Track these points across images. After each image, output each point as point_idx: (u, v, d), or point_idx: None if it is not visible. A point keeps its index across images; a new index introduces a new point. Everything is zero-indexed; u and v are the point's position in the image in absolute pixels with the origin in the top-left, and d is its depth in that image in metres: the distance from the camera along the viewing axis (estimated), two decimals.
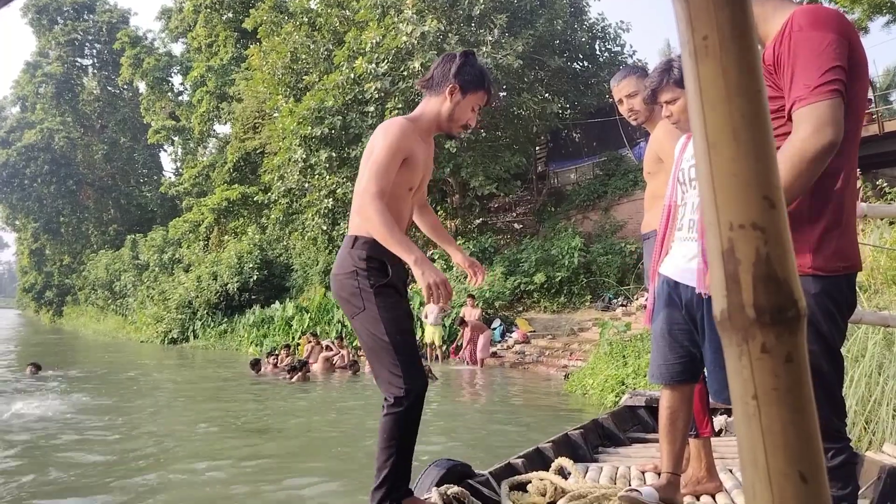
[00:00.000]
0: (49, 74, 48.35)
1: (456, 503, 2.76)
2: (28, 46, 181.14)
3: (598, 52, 23.77)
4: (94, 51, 50.23)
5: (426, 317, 16.37)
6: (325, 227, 22.01)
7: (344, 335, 19.70)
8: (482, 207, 22.43)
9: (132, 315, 33.89)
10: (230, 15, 34.06)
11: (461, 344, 16.04)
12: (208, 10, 34.64)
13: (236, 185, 29.17)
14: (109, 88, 49.48)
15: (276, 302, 23.76)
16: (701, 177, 0.66)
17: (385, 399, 2.52)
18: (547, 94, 20.88)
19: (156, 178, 48.19)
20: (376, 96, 18.73)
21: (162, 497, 5.76)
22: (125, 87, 48.43)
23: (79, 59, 50.35)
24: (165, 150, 45.11)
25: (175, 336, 27.04)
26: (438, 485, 2.81)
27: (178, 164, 43.03)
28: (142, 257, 35.38)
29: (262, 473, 6.51)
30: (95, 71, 50.19)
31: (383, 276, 2.57)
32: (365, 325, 2.56)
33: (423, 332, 16.53)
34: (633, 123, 3.44)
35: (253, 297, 25.26)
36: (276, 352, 16.88)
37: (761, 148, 0.67)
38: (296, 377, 13.54)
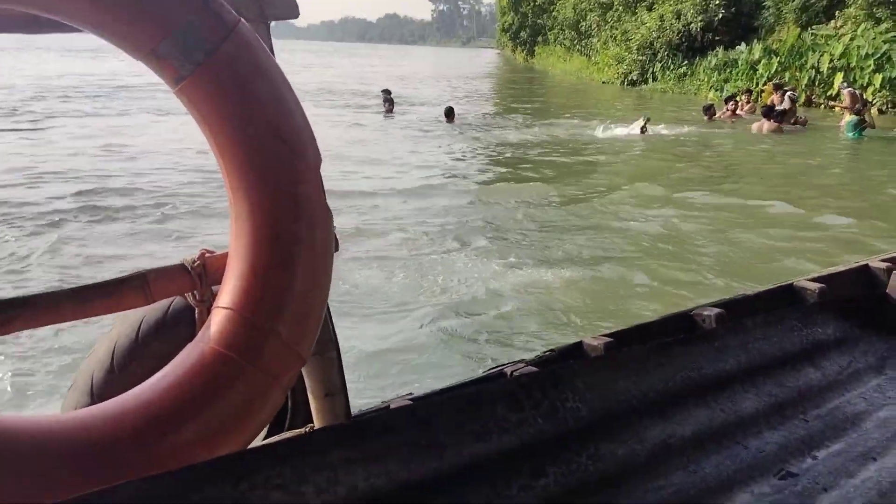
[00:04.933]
0: None
1: None
2: None
3: None
4: None
5: None
6: None
7: (818, 82, 17.70)
8: None
9: (595, 55, 35.09)
10: None
11: None
12: None
13: None
14: None
15: (742, 43, 22.07)
16: None
17: None
18: None
19: None
20: None
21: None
22: None
23: None
24: None
25: (634, 78, 27.47)
26: None
27: None
28: None
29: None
30: None
31: None
32: None
33: None
34: None
35: (717, 37, 23.84)
36: (737, 98, 16.08)
37: None
38: (765, 126, 12.80)
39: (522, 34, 56.16)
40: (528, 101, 21.48)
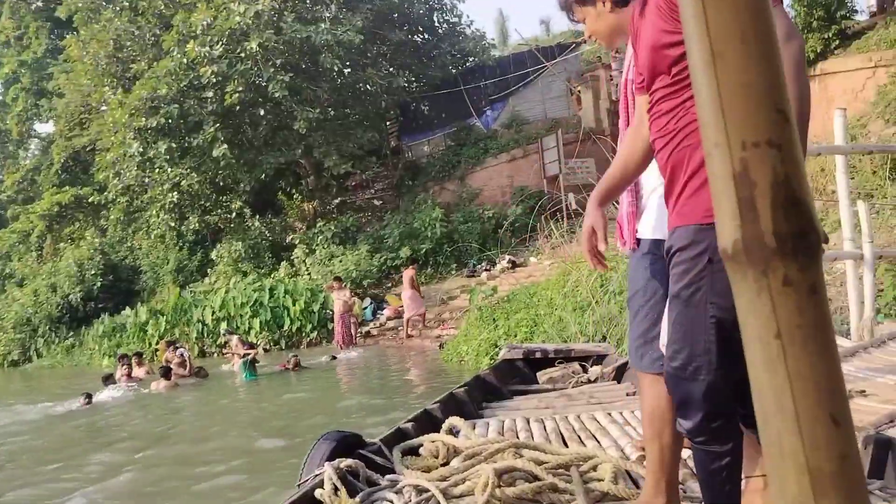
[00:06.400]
0: None
1: (351, 476, 2.63)
2: None
3: (436, 24, 23.76)
4: None
5: None
6: (172, 224, 20.95)
7: (206, 333, 18.74)
8: (339, 187, 22.08)
9: None
10: (39, 3, 31.10)
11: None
12: None
13: (67, 188, 26.86)
14: None
15: (127, 308, 22.25)
16: (703, 94, 0.60)
17: None
18: (391, 69, 20.66)
19: None
20: (214, 80, 17.72)
21: None
22: None
23: None
24: None
25: (15, 358, 24.68)
26: (330, 458, 2.67)
27: None
28: None
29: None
30: None
31: None
32: None
33: None
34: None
35: (100, 305, 23.52)
36: (128, 360, 15.34)
37: (771, 53, 0.59)
38: (162, 385, 12.66)
39: None
40: None
